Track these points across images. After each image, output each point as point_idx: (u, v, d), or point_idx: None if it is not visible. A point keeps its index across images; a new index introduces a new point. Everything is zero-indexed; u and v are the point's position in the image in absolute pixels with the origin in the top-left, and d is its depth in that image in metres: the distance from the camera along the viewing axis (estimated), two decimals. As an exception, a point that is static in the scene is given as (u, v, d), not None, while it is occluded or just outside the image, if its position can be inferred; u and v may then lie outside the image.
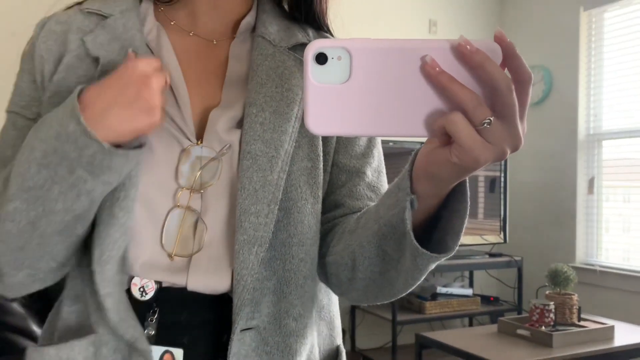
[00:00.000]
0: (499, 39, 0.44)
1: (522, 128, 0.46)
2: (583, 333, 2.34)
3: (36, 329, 1.36)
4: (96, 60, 0.68)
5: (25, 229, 0.59)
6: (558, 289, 2.48)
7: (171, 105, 0.69)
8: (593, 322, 2.48)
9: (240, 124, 0.69)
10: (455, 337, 2.41)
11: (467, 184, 0.54)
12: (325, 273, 0.72)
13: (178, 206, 0.67)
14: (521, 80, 0.45)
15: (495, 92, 0.44)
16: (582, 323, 2.46)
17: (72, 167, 0.56)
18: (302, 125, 0.69)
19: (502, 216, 3.76)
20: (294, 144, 0.68)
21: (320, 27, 0.79)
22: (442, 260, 0.56)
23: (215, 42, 0.76)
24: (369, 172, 0.75)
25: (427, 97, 0.45)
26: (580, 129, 3.69)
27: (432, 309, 3.45)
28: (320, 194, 0.71)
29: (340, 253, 0.67)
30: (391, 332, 3.29)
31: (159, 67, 0.60)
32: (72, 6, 0.74)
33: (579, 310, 2.48)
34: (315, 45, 0.44)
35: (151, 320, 0.65)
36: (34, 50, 0.71)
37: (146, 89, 0.57)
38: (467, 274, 4.07)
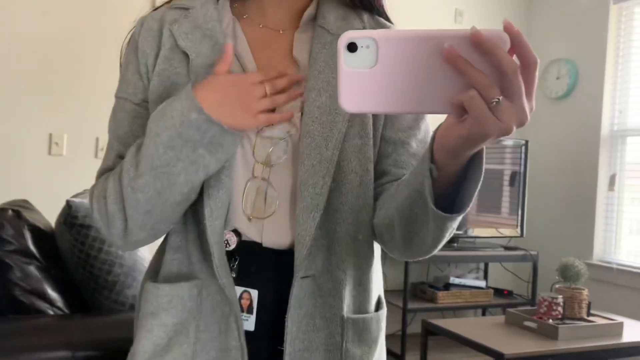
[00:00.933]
0: (507, 29, 0.51)
1: (530, 106, 0.53)
2: (590, 328, 2.33)
3: (51, 292, 1.43)
4: (185, 53, 0.81)
5: (152, 197, 0.74)
6: (568, 283, 2.47)
7: None
8: (602, 318, 2.47)
9: (302, 107, 0.81)
10: (461, 325, 2.43)
11: (484, 154, 0.62)
12: (374, 233, 0.83)
13: (255, 177, 0.80)
14: (527, 65, 0.52)
15: (503, 75, 0.51)
16: (590, 318, 2.45)
17: (195, 147, 0.72)
18: None
19: (520, 210, 3.74)
20: (347, 123, 0.79)
21: (375, 10, 0.88)
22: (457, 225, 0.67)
23: (281, 32, 0.87)
24: (414, 143, 0.84)
25: (444, 79, 0.52)
26: (604, 124, 3.64)
27: (444, 298, 3.46)
28: (371, 167, 0.82)
29: (383, 215, 0.79)
30: (401, 320, 3.32)
31: (262, 79, 0.75)
32: (163, 4, 0.88)
33: (589, 306, 2.47)
34: (347, 36, 0.51)
35: (233, 267, 0.80)
36: (137, 45, 0.84)
37: (245, 97, 0.74)
38: (482, 266, 4.07)
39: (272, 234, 0.81)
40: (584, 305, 2.45)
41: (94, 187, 0.81)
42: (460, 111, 0.53)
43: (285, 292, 0.79)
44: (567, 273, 2.46)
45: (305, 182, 0.77)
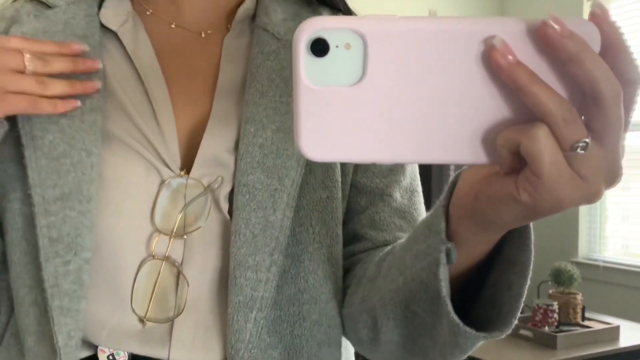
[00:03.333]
0: (597, 18, 0.30)
1: (622, 152, 0.32)
2: (587, 334, 2.28)
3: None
4: None
5: None
6: (562, 288, 2.42)
7: (148, 120, 0.56)
8: (598, 322, 2.43)
9: (236, 146, 0.55)
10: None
11: (531, 227, 0.39)
12: (343, 327, 0.58)
13: (153, 256, 0.54)
14: (628, 84, 0.30)
15: (597, 103, 0.29)
16: (586, 323, 2.40)
17: None
18: None
19: (503, 210, 3.70)
20: (304, 170, 0.54)
21: (336, 6, 0.63)
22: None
23: (204, 35, 0.61)
24: (397, 194, 0.59)
25: (484, 105, 0.30)
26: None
27: (432, 305, 3.40)
28: (340, 231, 0.57)
29: (358, 306, 0.54)
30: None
31: (13, 46, 0.50)
32: None
33: (583, 310, 2.43)
34: (310, 28, 0.29)
35: None
36: None
37: None
38: (467, 268, 4.02)
39: (184, 349, 0.53)
40: (579, 310, 2.40)
41: None
42: (512, 161, 0.31)
43: None
44: (560, 278, 2.40)
45: (242, 263, 0.51)
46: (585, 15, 3.60)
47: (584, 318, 2.43)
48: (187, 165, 0.55)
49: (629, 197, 3.45)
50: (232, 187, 0.54)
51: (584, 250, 3.63)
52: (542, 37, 0.29)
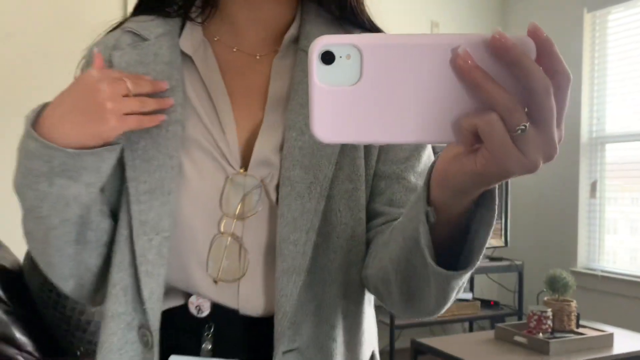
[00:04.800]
0: (533, 34, 0.39)
1: (559, 134, 0.41)
2: (581, 341, 2.30)
3: (20, 336, 1.34)
4: None
5: (42, 247, 0.67)
6: (556, 295, 2.44)
7: (216, 128, 0.70)
8: (592, 330, 2.45)
9: (281, 147, 0.70)
10: (450, 343, 2.38)
11: (496, 192, 0.50)
12: (367, 286, 0.71)
13: (222, 234, 0.69)
14: (559, 83, 0.40)
15: (532, 95, 0.39)
16: (580, 330, 2.42)
17: (50, 180, 0.61)
18: (344, 145, 0.69)
19: (503, 220, 3.72)
20: (334, 167, 0.68)
21: (364, 24, 0.74)
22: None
23: (258, 57, 0.75)
24: (412, 177, 0.71)
25: (450, 98, 0.40)
26: (582, 132, 3.65)
27: (431, 313, 3.42)
28: (363, 215, 0.70)
29: (376, 267, 0.66)
30: (389, 336, 3.26)
31: (117, 76, 0.62)
32: (117, 27, 0.76)
33: (578, 317, 2.45)
34: (321, 43, 0.39)
35: (207, 335, 0.69)
36: None
37: (95, 96, 0.59)
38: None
39: (250, 299, 0.69)
40: (573, 317, 2.43)
41: None
42: (472, 140, 0.40)
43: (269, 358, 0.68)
44: (555, 285, 2.43)
45: (286, 239, 0.66)
46: (586, 23, 3.64)
47: (578, 325, 2.45)
48: (244, 164, 0.70)
49: (635, 215, 3.46)
50: (278, 180, 0.68)
51: (583, 260, 3.65)
52: (492, 48, 0.38)
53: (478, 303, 3.61)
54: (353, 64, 0.39)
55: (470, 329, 3.99)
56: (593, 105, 3.64)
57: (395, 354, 3.54)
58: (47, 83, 2.84)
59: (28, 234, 0.68)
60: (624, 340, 2.45)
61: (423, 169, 0.73)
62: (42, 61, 2.85)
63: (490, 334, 2.52)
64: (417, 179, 0.72)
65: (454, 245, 0.53)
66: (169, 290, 0.70)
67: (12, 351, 1.31)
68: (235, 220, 0.69)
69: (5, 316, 1.33)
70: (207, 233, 0.69)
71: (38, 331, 1.40)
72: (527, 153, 0.40)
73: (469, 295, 3.64)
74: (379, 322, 3.13)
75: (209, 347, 0.69)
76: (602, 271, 3.49)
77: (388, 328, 3.27)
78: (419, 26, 3.94)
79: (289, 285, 0.65)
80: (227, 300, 0.69)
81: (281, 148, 0.69)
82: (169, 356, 0.69)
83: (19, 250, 1.60)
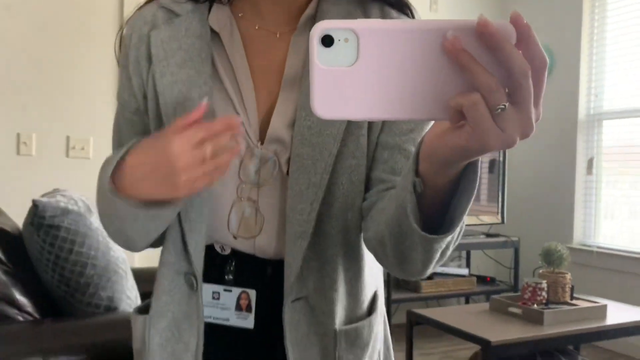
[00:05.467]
0: (514, 21, 0.43)
1: (537, 114, 0.45)
2: (575, 311, 2.33)
3: (20, 297, 1.36)
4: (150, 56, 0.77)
5: (118, 234, 0.77)
6: (552, 268, 2.47)
7: (238, 103, 0.77)
8: (586, 301, 2.48)
9: (292, 124, 0.76)
10: (446, 314, 2.41)
11: (479, 164, 0.54)
12: (367, 247, 0.78)
13: (240, 199, 0.78)
14: (536, 66, 0.43)
15: (511, 77, 0.43)
16: (574, 302, 2.45)
17: (135, 217, 0.70)
18: (349, 123, 0.74)
19: (500, 197, 3.74)
20: (339, 144, 0.74)
21: (387, 0, 0.78)
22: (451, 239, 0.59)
23: (278, 35, 0.79)
24: (412, 148, 0.76)
25: (440, 79, 0.44)
26: (580, 108, 3.65)
27: (428, 288, 3.45)
28: (363, 187, 0.77)
29: (374, 230, 0.72)
30: (385, 311, 3.30)
31: (199, 140, 0.65)
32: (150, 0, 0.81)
33: (572, 289, 2.47)
34: (321, 27, 0.43)
35: (230, 269, 0.81)
36: (129, 53, 0.79)
37: (173, 167, 0.64)
38: (463, 254, 4.07)
39: (264, 249, 0.80)
40: (568, 289, 2.45)
41: None
42: (458, 117, 0.44)
43: (281, 301, 0.78)
44: (550, 258, 2.45)
45: (293, 208, 0.75)
46: (586, 11, 3.63)
47: (572, 297, 2.48)
48: (261, 137, 0.77)
49: (632, 199, 3.48)
50: (289, 155, 0.75)
51: (579, 236, 3.68)
52: (477, 33, 0.42)
53: (474, 279, 3.65)
54: (350, 47, 0.43)
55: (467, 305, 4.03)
56: (591, 82, 3.64)
57: (392, 329, 3.58)
58: (48, 56, 2.84)
59: (104, 222, 0.77)
60: (617, 312, 2.47)
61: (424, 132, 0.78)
62: (44, 35, 2.84)
63: (485, 305, 2.55)
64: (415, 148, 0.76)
65: (439, 212, 0.59)
66: None
67: (12, 311, 1.33)
68: (251, 188, 0.78)
69: (5, 277, 1.35)
70: (228, 197, 0.78)
71: (37, 293, 1.41)
72: (505, 130, 0.44)
73: (465, 271, 3.67)
74: None
75: (231, 277, 0.81)
76: (598, 247, 3.52)
77: (385, 303, 3.31)
78: (418, 1, 3.92)
79: (296, 248, 0.75)
80: (245, 249, 0.80)
81: (293, 125, 0.76)
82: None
83: (19, 217, 1.61)
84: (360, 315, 0.82)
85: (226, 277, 0.81)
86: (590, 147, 3.64)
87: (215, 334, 0.81)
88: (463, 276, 3.63)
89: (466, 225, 3.59)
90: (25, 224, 1.45)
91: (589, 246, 3.57)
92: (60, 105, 2.85)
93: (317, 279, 0.78)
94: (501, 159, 3.73)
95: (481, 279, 3.78)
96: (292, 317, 0.78)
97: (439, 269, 3.63)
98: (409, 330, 2.45)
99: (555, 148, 3.79)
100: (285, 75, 0.77)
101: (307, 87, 0.72)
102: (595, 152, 3.62)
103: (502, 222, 3.76)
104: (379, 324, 0.87)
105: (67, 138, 2.87)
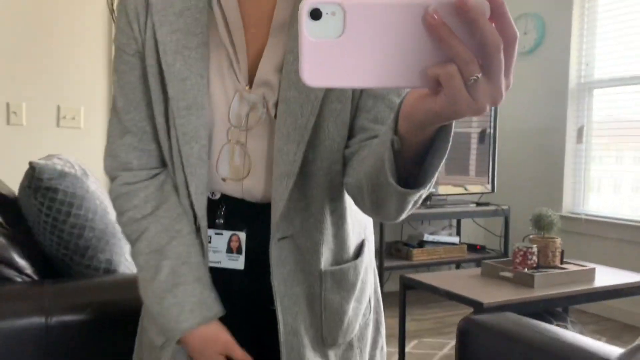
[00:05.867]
0: None
1: (507, 83, 0.48)
2: (564, 274, 2.38)
3: (19, 259, 1.36)
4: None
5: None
6: (542, 233, 2.51)
7: (230, 48, 0.80)
8: (575, 265, 2.53)
9: (281, 69, 0.79)
10: (438, 278, 2.45)
11: (452, 127, 0.58)
12: (347, 191, 0.83)
13: (230, 141, 0.83)
14: (507, 40, 0.46)
15: (484, 50, 0.46)
16: (564, 266, 2.50)
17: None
18: None
19: (490, 165, 3.77)
20: (325, 89, 0.75)
21: None
22: (424, 197, 0.65)
23: None
24: (396, 98, 0.79)
25: (419, 51, 0.47)
26: (571, 77, 3.67)
27: (419, 256, 3.50)
28: (346, 132, 0.80)
29: (354, 178, 0.77)
30: (378, 279, 3.34)
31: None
32: None
33: (562, 254, 2.52)
34: (310, 2, 0.46)
35: (221, 213, 0.86)
36: (127, 3, 0.83)
37: None
38: (454, 223, 4.11)
39: (252, 192, 0.85)
40: (558, 254, 2.50)
41: (113, 191, 0.89)
42: (435, 85, 0.48)
43: (269, 237, 0.82)
44: (540, 223, 2.49)
45: (280, 149, 0.78)
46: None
47: (562, 261, 2.52)
48: (250, 81, 0.81)
49: (621, 166, 3.52)
50: (277, 98, 0.79)
51: (568, 204, 3.73)
52: (455, 8, 0.45)
53: (465, 247, 3.70)
54: (337, 20, 0.46)
55: (457, 273, 4.09)
56: (582, 50, 3.65)
57: (384, 297, 3.63)
58: (38, 24, 2.79)
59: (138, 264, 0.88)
60: (605, 275, 2.53)
61: (405, 92, 0.81)
62: (29, 2, 2.79)
63: (476, 271, 2.59)
64: (398, 99, 0.80)
65: (414, 168, 0.63)
66: None
67: (12, 273, 1.34)
68: (240, 131, 0.82)
69: (4, 239, 1.35)
70: (218, 141, 0.83)
71: (36, 256, 1.42)
72: (476, 98, 0.47)
73: (455, 240, 3.72)
74: None
75: (221, 221, 0.86)
76: (586, 215, 3.58)
77: (377, 271, 3.35)
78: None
79: (282, 187, 0.79)
80: (234, 192, 0.85)
81: (281, 70, 0.78)
82: None
83: (13, 182, 1.61)
84: (346, 259, 0.87)
85: (217, 221, 0.86)
86: (580, 116, 3.67)
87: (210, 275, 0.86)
88: (454, 244, 3.68)
89: (457, 194, 3.65)
90: (22, 187, 1.44)
91: (578, 214, 3.63)
92: (50, 74, 2.82)
93: (302, 219, 0.82)
94: (492, 127, 3.75)
95: (471, 247, 3.84)
96: (278, 255, 0.82)
97: (430, 238, 3.67)
98: (402, 294, 2.49)
99: (546, 117, 3.82)
100: (274, 21, 0.79)
101: (296, 32, 0.75)
102: (585, 121, 3.65)
103: (493, 191, 3.80)
104: (368, 273, 0.91)
105: (58, 108, 2.85)
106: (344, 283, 0.86)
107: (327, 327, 0.85)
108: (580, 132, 3.67)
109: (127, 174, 0.88)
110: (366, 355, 0.92)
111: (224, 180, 0.84)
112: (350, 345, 0.89)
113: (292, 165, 0.78)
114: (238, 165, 0.83)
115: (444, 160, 0.60)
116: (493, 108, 3.74)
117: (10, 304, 1.19)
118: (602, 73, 3.56)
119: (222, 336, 0.84)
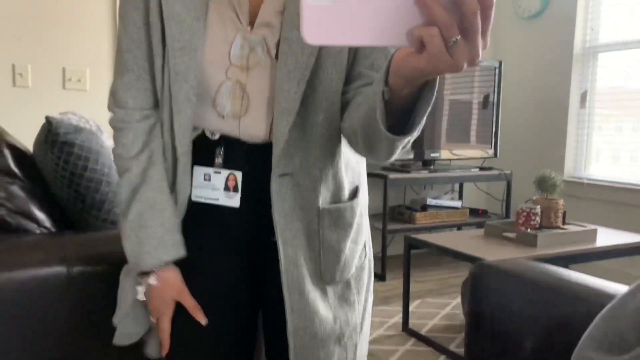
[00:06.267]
0: None
1: (484, 44, 0.54)
2: (567, 234, 2.42)
3: (38, 212, 1.39)
4: None
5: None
6: (545, 194, 2.54)
7: None
8: (577, 226, 2.57)
9: (282, 11, 0.83)
10: (442, 238, 2.49)
11: (437, 81, 0.65)
12: (342, 134, 0.88)
13: (229, 79, 0.86)
14: (484, 5, 0.52)
15: (463, 15, 0.51)
16: (566, 227, 2.54)
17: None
18: None
19: (493, 130, 3.79)
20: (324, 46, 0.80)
21: None
22: (410, 143, 0.73)
23: None
24: (392, 49, 0.82)
25: (405, 14, 0.53)
26: (576, 41, 3.65)
27: (422, 219, 3.54)
28: (344, 75, 0.85)
29: (349, 122, 0.83)
30: (381, 241, 3.39)
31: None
32: None
33: (564, 215, 2.56)
34: None
35: (219, 152, 0.91)
36: None
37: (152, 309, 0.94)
38: (457, 188, 4.15)
39: (249, 131, 0.88)
40: (560, 215, 2.53)
41: (115, 120, 0.95)
42: (419, 45, 0.54)
43: (267, 180, 0.88)
44: (544, 184, 2.52)
45: (281, 88, 0.82)
46: None
47: (564, 222, 2.56)
48: (252, 22, 0.85)
49: (622, 138, 3.54)
50: (279, 39, 0.83)
51: (570, 169, 3.76)
52: None
53: (467, 211, 3.74)
54: None
55: (458, 237, 4.14)
56: (588, 14, 3.63)
57: (388, 260, 3.69)
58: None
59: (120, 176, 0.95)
60: (607, 236, 2.57)
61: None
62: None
63: (479, 231, 2.64)
64: (393, 49, 0.84)
65: (402, 117, 0.70)
66: (193, 127, 0.92)
67: (31, 225, 1.37)
68: (240, 71, 0.86)
69: (23, 193, 1.37)
70: (217, 79, 0.86)
71: (54, 209, 1.45)
72: (455, 58, 0.53)
73: (458, 204, 3.76)
74: (372, 229, 3.25)
75: (220, 161, 0.91)
76: (588, 179, 3.61)
77: (380, 233, 3.40)
78: None
79: (283, 123, 0.83)
80: (231, 131, 0.90)
81: (283, 12, 0.82)
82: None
83: (27, 140, 1.63)
84: (343, 199, 0.93)
85: (216, 160, 0.91)
86: (584, 81, 3.67)
87: (206, 213, 0.93)
88: (456, 208, 3.72)
89: (460, 159, 3.66)
90: (38, 142, 1.46)
91: (580, 178, 3.66)
92: (55, 36, 2.81)
93: (302, 157, 0.87)
94: (496, 92, 3.75)
95: (473, 212, 3.88)
96: (279, 189, 0.87)
97: (433, 202, 3.71)
98: (407, 254, 2.53)
99: (550, 82, 3.81)
100: None
101: None
102: (589, 85, 3.65)
103: (495, 155, 3.82)
104: (363, 217, 0.98)
105: (63, 70, 2.84)
106: (341, 222, 0.91)
107: (325, 263, 0.90)
108: (583, 97, 3.67)
109: (122, 111, 0.93)
110: (362, 297, 0.98)
111: (222, 117, 0.88)
112: (347, 285, 0.94)
113: (293, 102, 0.82)
114: (236, 103, 0.87)
115: (429, 110, 0.67)
116: (497, 72, 3.73)
117: (32, 254, 1.22)
118: (607, 37, 3.54)
119: (176, 283, 0.92)
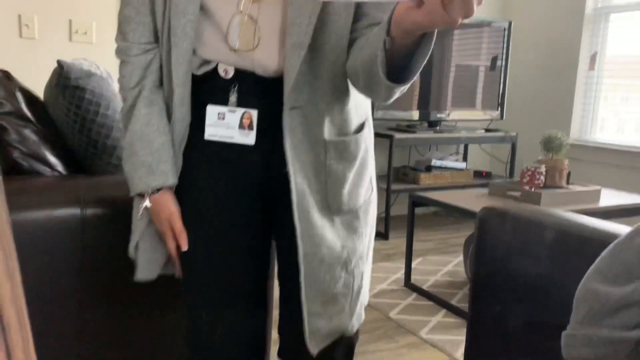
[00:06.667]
0: None
1: (479, 1, 0.59)
2: (571, 194, 2.44)
3: (50, 156, 1.41)
4: None
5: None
6: (551, 154, 2.55)
7: None
8: (581, 186, 2.58)
9: None
10: (446, 196, 2.51)
11: (434, 34, 0.71)
12: (347, 72, 0.92)
13: (241, 12, 0.89)
14: None
15: None
16: (570, 187, 2.55)
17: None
18: None
19: (500, 91, 3.77)
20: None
21: None
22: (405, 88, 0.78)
23: None
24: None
25: None
26: (588, 2, 3.60)
27: (425, 180, 3.56)
28: (352, 12, 0.88)
29: (352, 63, 0.87)
30: (385, 201, 3.42)
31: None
32: None
33: (569, 175, 2.57)
34: None
35: (232, 91, 0.93)
36: None
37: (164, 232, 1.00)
38: (461, 150, 4.15)
39: (262, 62, 0.91)
40: (565, 175, 2.54)
41: (124, 74, 0.99)
42: (418, 0, 0.61)
43: (279, 115, 0.91)
44: (550, 144, 2.52)
45: (293, 22, 0.85)
46: None
47: (568, 182, 2.58)
48: None
49: (627, 107, 3.51)
50: None
51: (576, 132, 3.75)
52: None
53: (471, 172, 3.75)
54: None
55: (462, 199, 4.16)
56: (601, -26, 3.56)
57: (392, 220, 3.73)
58: None
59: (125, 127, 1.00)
60: (610, 196, 2.59)
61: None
62: None
63: (484, 191, 2.65)
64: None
65: (403, 60, 0.75)
66: (204, 62, 0.95)
67: (44, 169, 1.39)
68: (252, 3, 0.88)
69: (36, 137, 1.39)
70: (227, 12, 0.89)
71: (65, 153, 1.47)
72: (450, 14, 0.59)
73: (462, 165, 3.77)
74: (377, 189, 3.23)
75: (234, 99, 0.93)
76: (594, 142, 3.61)
77: (384, 193, 3.43)
78: None
79: (294, 57, 0.86)
80: (245, 64, 0.92)
81: None
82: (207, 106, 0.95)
83: (37, 87, 1.63)
84: (348, 132, 0.97)
85: (230, 98, 0.94)
86: (594, 42, 3.63)
87: (219, 150, 0.96)
88: (460, 170, 3.73)
89: (466, 120, 3.65)
90: (49, 86, 1.47)
91: (586, 141, 3.66)
92: (60, -14, 2.78)
93: (310, 91, 0.91)
94: (504, 52, 3.72)
95: (477, 174, 3.89)
96: (290, 123, 0.91)
97: (438, 163, 3.72)
98: (411, 211, 2.56)
99: (560, 43, 3.77)
100: None
101: None
102: (599, 47, 3.61)
103: (502, 117, 3.81)
104: (368, 152, 1.02)
105: (70, 22, 2.82)
106: (345, 154, 0.95)
107: (332, 193, 0.95)
108: (593, 58, 3.64)
109: (124, 44, 0.98)
110: (369, 229, 1.03)
111: (234, 51, 0.90)
112: (356, 215, 0.99)
113: (304, 36, 0.85)
114: (248, 35, 0.89)
115: (426, 60, 0.72)
116: (506, 33, 3.69)
117: (47, 195, 1.25)
118: (620, -2, 3.48)
119: (169, 206, 0.98)
